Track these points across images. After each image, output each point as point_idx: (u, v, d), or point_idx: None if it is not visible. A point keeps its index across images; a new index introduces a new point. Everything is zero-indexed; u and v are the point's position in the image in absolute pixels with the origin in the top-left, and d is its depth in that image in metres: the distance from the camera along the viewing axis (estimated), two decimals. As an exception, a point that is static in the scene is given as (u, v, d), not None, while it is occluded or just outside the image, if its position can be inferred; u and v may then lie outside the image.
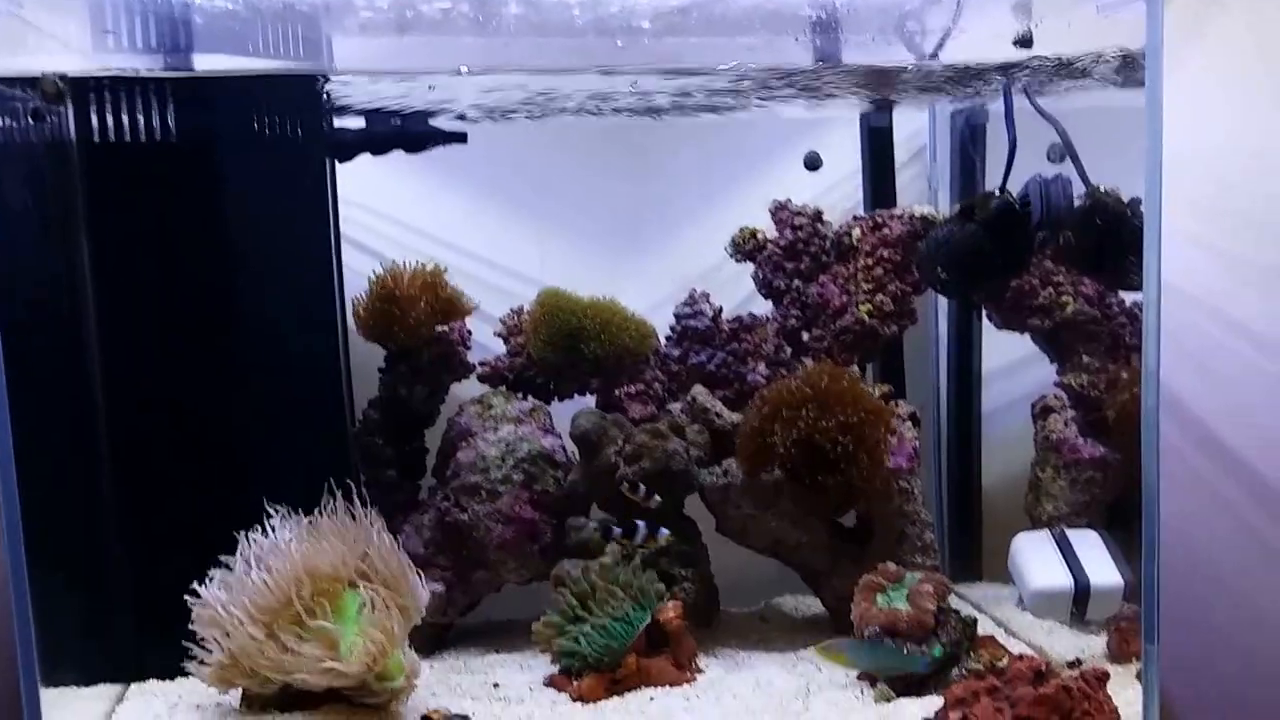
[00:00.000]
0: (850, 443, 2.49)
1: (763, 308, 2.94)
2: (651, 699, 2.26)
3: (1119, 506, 2.87)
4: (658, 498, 2.54)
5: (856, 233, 2.89)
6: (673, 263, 3.09)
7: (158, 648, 2.19)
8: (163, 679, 2.34)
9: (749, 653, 2.56)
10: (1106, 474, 2.84)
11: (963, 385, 3.24)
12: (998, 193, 2.56)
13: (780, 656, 2.54)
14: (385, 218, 2.98)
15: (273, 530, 2.11)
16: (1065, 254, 2.72)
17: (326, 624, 2.01)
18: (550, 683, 2.34)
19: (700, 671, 2.40)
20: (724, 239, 2.94)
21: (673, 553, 2.66)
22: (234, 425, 2.42)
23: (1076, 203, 2.68)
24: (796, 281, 2.89)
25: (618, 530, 2.53)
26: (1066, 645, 2.50)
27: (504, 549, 2.56)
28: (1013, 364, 3.25)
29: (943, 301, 3.22)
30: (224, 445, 2.41)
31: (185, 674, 2.12)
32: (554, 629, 2.34)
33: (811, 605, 3.01)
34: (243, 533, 2.12)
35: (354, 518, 2.20)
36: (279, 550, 2.05)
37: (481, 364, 2.80)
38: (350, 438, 2.63)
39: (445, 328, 2.70)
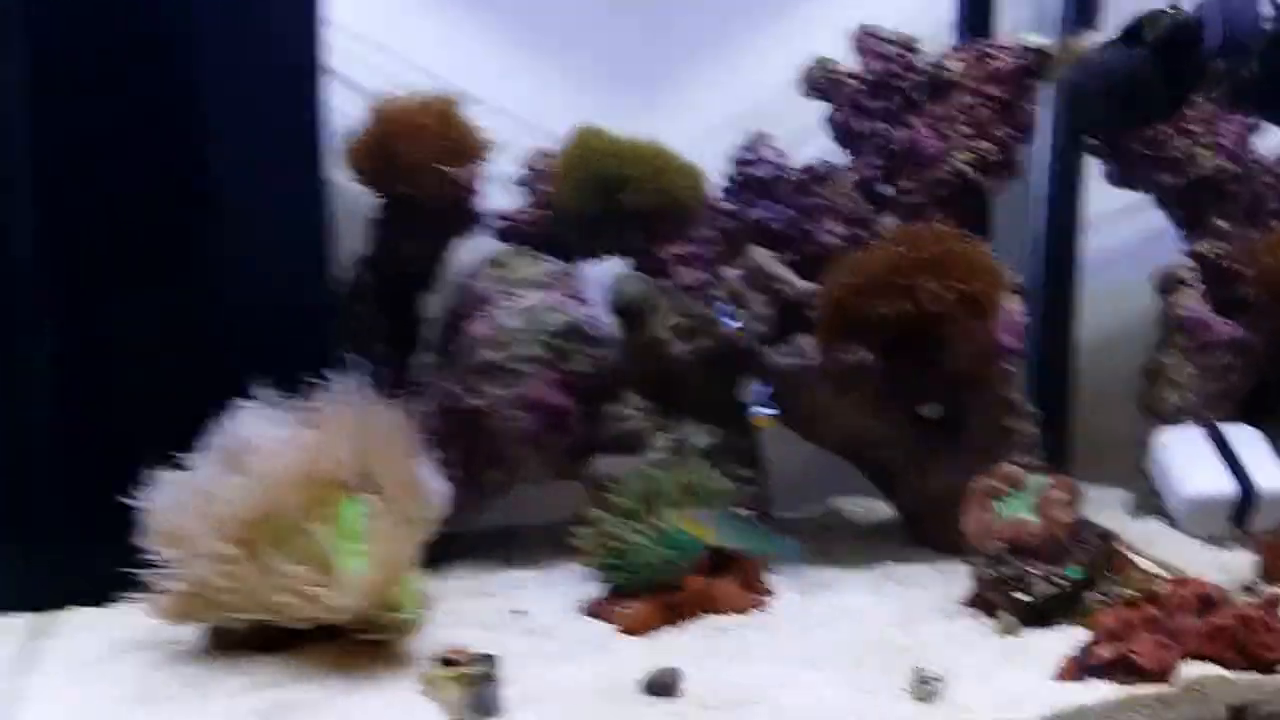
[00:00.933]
0: (970, 316, 2.15)
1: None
2: (722, 631, 1.95)
3: (1257, 397, 2.52)
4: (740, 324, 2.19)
5: (957, 66, 2.51)
6: (714, 104, 2.79)
7: (89, 564, 1.88)
8: (95, 605, 1.96)
9: (819, 570, 2.25)
10: (1245, 359, 2.45)
11: (1060, 253, 2.90)
12: (1169, 10, 2.11)
13: (860, 575, 2.25)
14: (371, 45, 2.52)
15: (250, 417, 1.75)
16: (1247, 90, 2.28)
17: (321, 539, 1.66)
18: (591, 610, 2.01)
19: (770, 594, 2.07)
20: (778, 74, 2.61)
21: (730, 449, 2.31)
22: (192, 285, 2.03)
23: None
24: (881, 124, 2.53)
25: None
26: (1201, 563, 2.20)
27: (526, 442, 2.23)
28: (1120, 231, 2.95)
29: (1039, 150, 2.85)
30: (179, 309, 2.02)
31: (124, 599, 1.81)
32: (603, 537, 2.01)
33: (877, 510, 2.72)
34: (209, 420, 1.75)
35: (354, 402, 1.81)
36: (259, 444, 1.70)
37: (500, 216, 2.46)
38: (332, 303, 2.25)
39: (455, 171, 2.33)
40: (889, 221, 2.53)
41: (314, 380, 1.83)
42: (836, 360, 2.29)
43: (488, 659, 1.67)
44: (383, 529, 1.69)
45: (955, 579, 2.15)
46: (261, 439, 1.74)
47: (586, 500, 2.24)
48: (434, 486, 1.87)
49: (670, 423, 2.32)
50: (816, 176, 2.56)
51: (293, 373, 1.83)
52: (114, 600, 1.91)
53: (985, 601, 2.01)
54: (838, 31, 2.63)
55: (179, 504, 1.68)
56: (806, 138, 2.70)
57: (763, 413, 2.19)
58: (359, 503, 1.73)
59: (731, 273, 2.45)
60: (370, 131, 2.27)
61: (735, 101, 2.80)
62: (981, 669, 1.74)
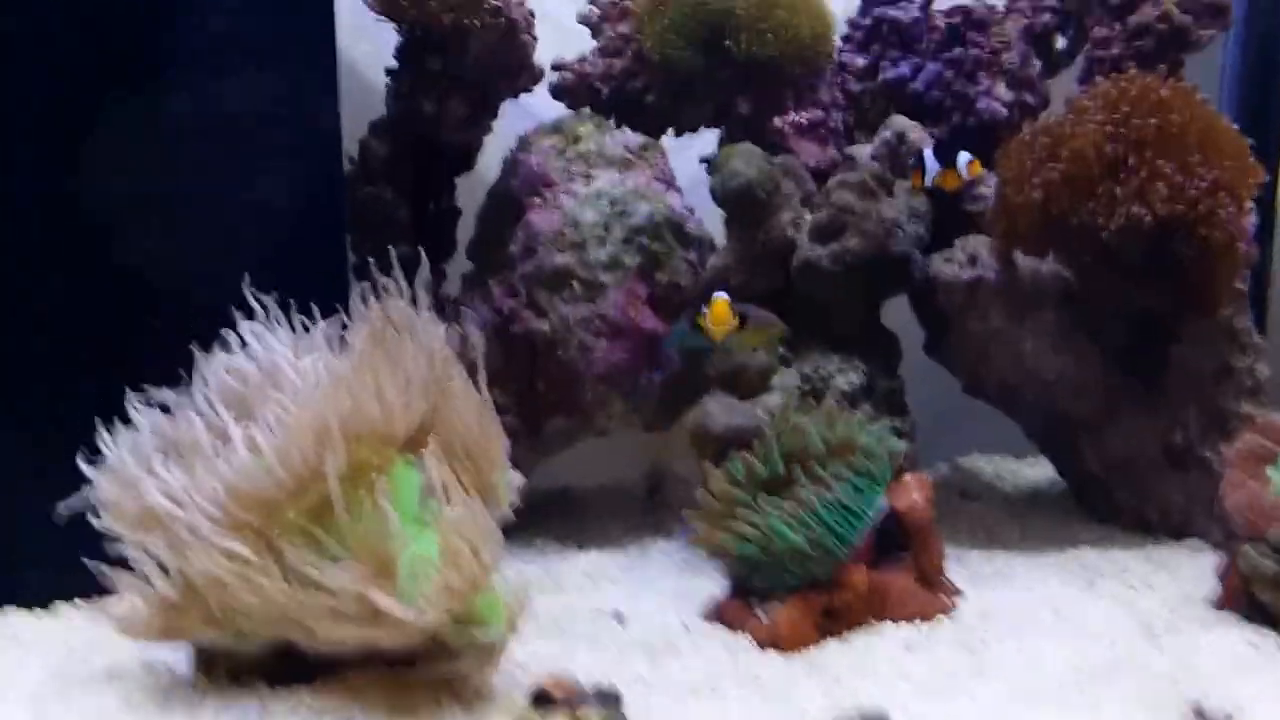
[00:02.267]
0: (1217, 216, 1.87)
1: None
2: (907, 646, 1.67)
3: None
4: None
5: None
6: None
7: (28, 555, 1.72)
8: (33, 609, 1.77)
9: (983, 551, 2.06)
10: None
11: (1261, 123, 2.47)
12: None
13: (1051, 563, 2.02)
14: None
15: (256, 344, 1.46)
16: None
17: (373, 523, 1.33)
18: (718, 614, 1.76)
19: (957, 591, 1.82)
20: None
21: (877, 391, 2.05)
22: (151, 163, 1.82)
23: None
24: None
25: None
26: None
27: (609, 380, 2.00)
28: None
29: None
30: (134, 197, 1.80)
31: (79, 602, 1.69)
32: (729, 515, 1.73)
33: (1016, 473, 2.55)
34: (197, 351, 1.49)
35: (396, 322, 1.48)
36: (275, 381, 1.40)
37: (558, 68, 2.21)
38: (338, 186, 2.01)
39: None
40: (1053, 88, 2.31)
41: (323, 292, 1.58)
42: (1016, 272, 2.04)
43: (609, 699, 1.38)
44: (455, 506, 1.39)
45: (1182, 569, 1.96)
46: (276, 374, 1.38)
47: (675, 455, 2.11)
48: (506, 443, 1.55)
49: (797, 354, 2.04)
50: (973, 21, 2.29)
51: (294, 282, 1.58)
52: (59, 596, 1.74)
53: (1257, 604, 1.75)
54: None
55: (158, 469, 1.39)
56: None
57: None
58: (417, 467, 1.44)
59: (865, 150, 2.15)
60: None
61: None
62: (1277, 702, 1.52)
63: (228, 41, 1.84)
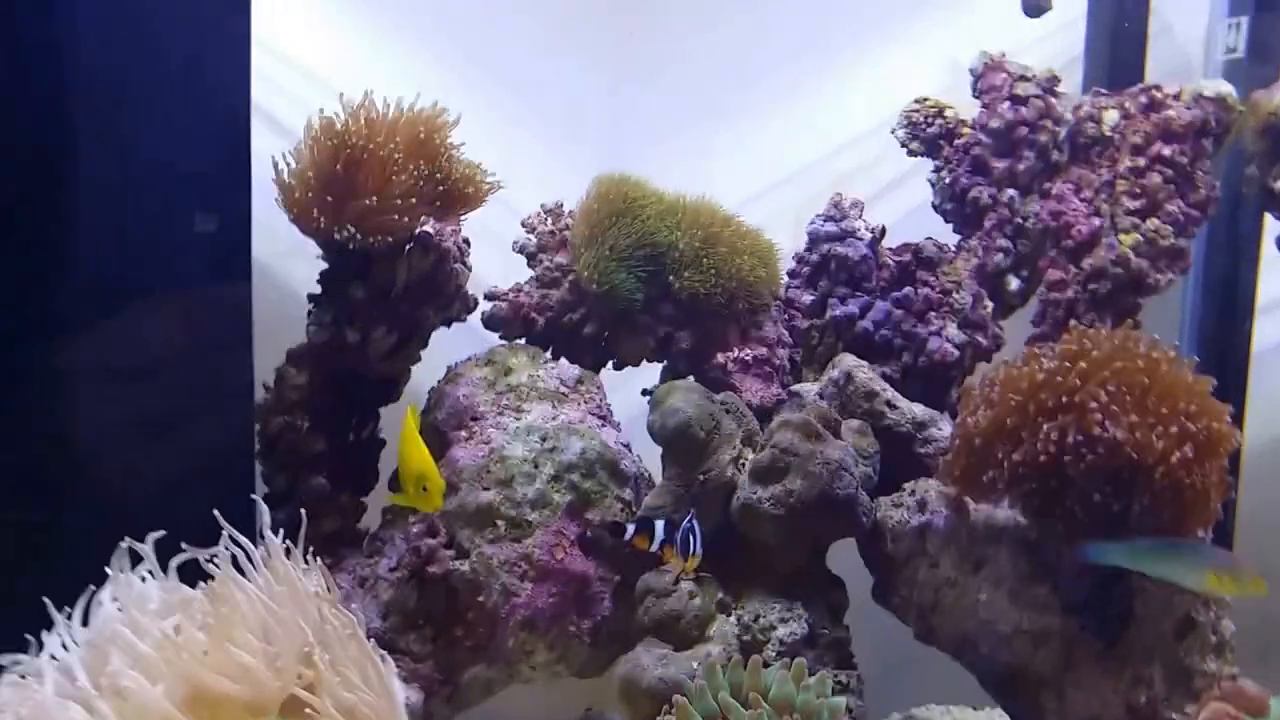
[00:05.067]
0: (1195, 464, 1.78)
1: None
2: None
3: None
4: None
5: (1113, 117, 2.25)
6: (759, 156, 2.58)
7: None
8: None
9: None
10: None
11: (1223, 364, 2.49)
12: None
13: None
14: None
15: (126, 596, 1.34)
16: None
17: None
18: None
19: None
20: (846, 119, 2.50)
21: (821, 642, 1.90)
22: (45, 401, 1.83)
23: None
24: (1010, 192, 2.26)
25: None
26: None
27: (534, 627, 1.87)
28: None
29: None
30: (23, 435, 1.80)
31: None
32: None
33: None
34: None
35: (281, 570, 1.40)
36: (140, 641, 1.24)
37: (491, 297, 2.11)
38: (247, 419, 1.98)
39: (437, 220, 2.00)
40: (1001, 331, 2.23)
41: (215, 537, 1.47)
42: (971, 520, 1.93)
43: None
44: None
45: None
46: (148, 630, 1.22)
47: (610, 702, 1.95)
48: (401, 699, 1.48)
49: (738, 600, 1.90)
50: (923, 259, 2.23)
51: (185, 525, 1.48)
52: None
53: None
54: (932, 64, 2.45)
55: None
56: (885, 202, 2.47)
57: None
58: (299, 735, 1.30)
59: (810, 389, 2.07)
60: (319, 153, 1.87)
61: (788, 154, 2.58)
62: None
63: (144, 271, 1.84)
